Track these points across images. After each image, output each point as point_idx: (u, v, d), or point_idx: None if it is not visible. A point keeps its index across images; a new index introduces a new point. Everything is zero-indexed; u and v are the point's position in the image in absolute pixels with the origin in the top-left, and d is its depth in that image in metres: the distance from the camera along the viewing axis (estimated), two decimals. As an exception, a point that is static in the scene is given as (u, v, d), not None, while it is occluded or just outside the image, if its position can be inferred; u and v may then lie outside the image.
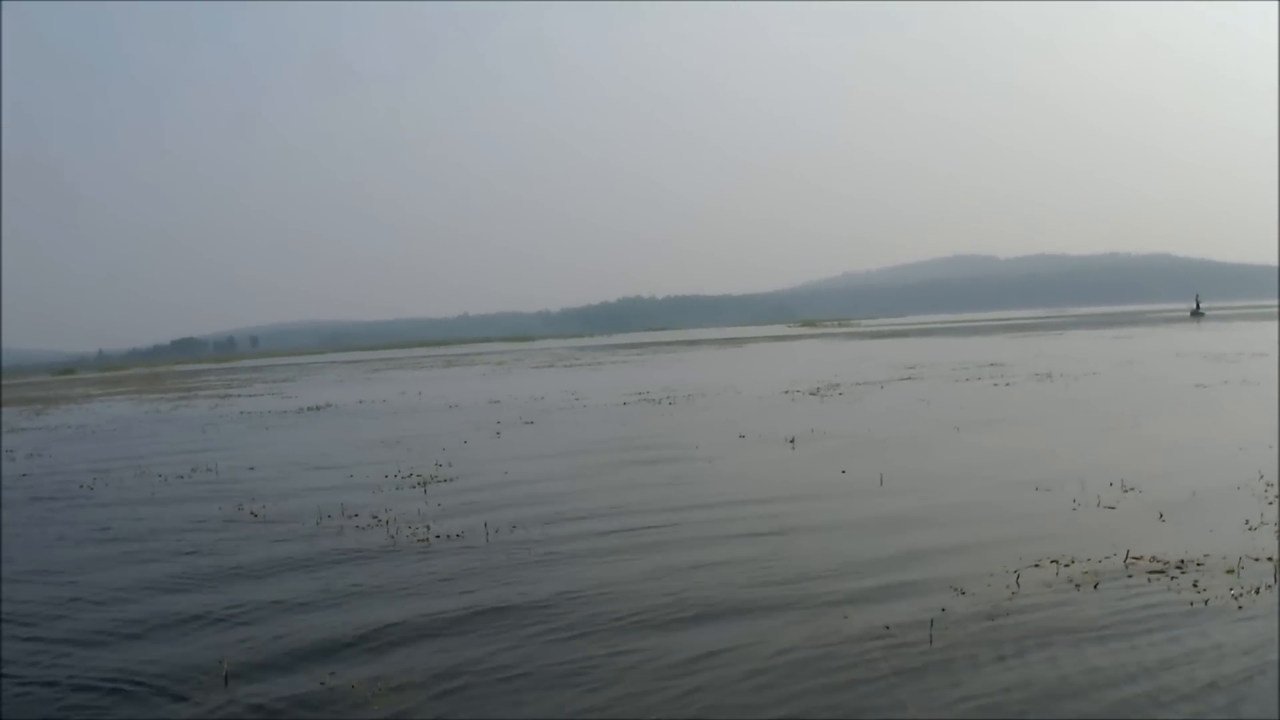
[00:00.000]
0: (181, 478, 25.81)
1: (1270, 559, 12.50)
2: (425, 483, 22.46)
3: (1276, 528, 14.09)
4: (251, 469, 26.88)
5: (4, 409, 68.58)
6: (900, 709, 8.79)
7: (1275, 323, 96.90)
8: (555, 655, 10.56)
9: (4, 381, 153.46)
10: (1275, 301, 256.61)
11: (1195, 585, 11.68)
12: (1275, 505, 15.49)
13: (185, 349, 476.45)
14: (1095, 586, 11.84)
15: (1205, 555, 12.82)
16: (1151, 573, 12.26)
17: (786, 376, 52.78)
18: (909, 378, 47.10)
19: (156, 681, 10.46)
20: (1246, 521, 14.56)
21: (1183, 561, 12.63)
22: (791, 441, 26.07)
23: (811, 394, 40.48)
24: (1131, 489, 17.31)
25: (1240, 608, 10.89)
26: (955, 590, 11.97)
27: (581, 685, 9.74)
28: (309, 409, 49.34)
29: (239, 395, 67.38)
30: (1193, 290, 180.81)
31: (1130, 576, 12.17)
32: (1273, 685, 8.86)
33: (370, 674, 10.33)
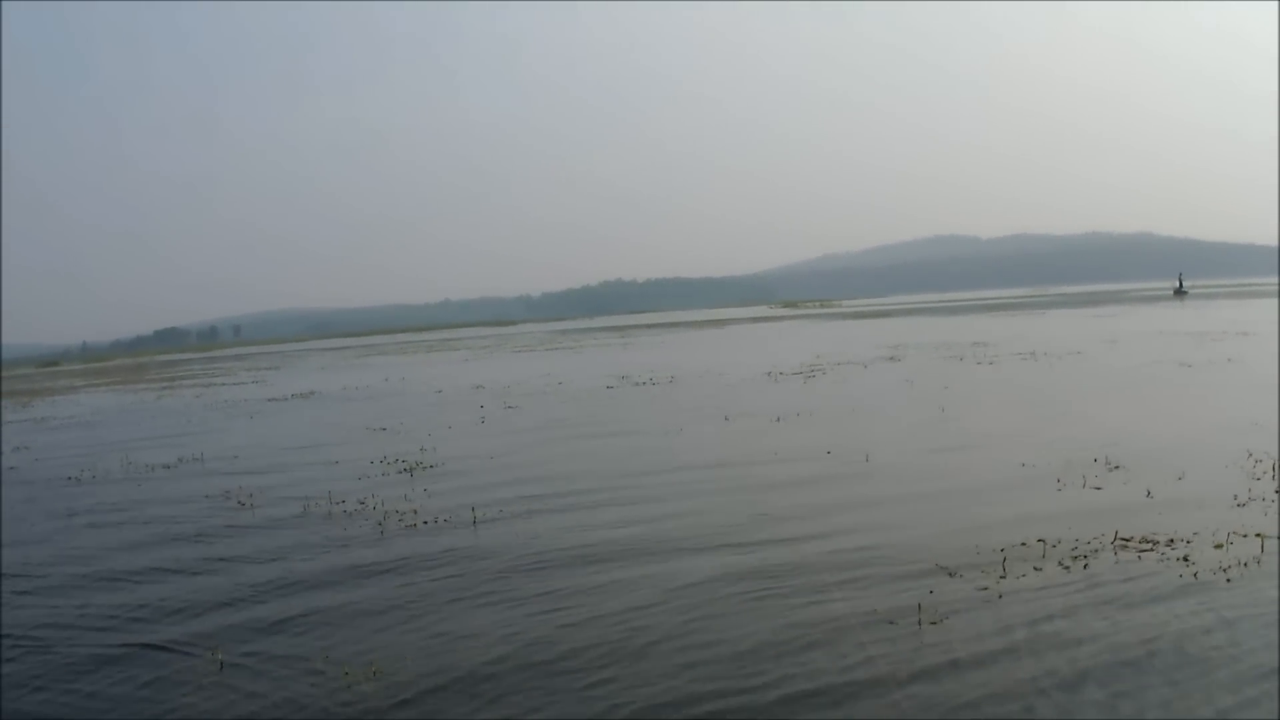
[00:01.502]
0: (168, 467, 25.75)
1: (1259, 535, 12.51)
2: (411, 468, 22.42)
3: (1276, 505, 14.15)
4: (236, 457, 26.81)
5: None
6: (893, 693, 8.78)
7: (1259, 301, 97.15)
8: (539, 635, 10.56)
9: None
10: (1259, 280, 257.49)
11: (1185, 560, 11.70)
12: (1263, 481, 15.54)
13: (168, 339, 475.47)
14: (1084, 566, 11.84)
15: (1194, 533, 12.83)
16: (1140, 551, 12.27)
17: (769, 358, 52.74)
18: (892, 358, 47.08)
19: (146, 657, 10.47)
20: (1235, 497, 14.60)
21: (1172, 539, 12.63)
22: (776, 421, 26.07)
23: (795, 375, 40.48)
24: (1118, 467, 17.33)
25: (1229, 581, 10.91)
26: (944, 571, 11.97)
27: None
28: (293, 396, 49.24)
29: (223, 384, 67.23)
30: (1176, 269, 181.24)
31: (1118, 555, 12.18)
32: (1265, 660, 8.87)
33: (362, 656, 10.35)
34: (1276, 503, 14.20)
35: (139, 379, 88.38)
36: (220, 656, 10.57)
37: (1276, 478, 15.73)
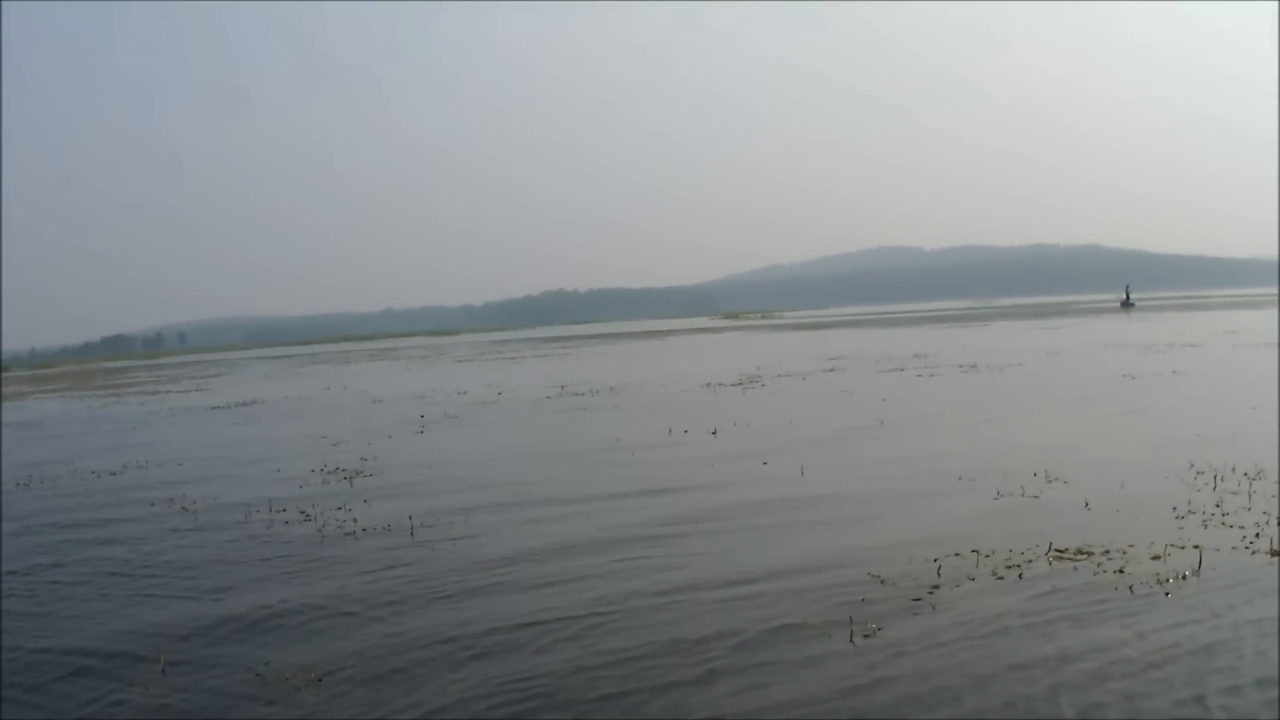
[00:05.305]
0: (114, 474, 25.51)
1: (1196, 546, 12.57)
2: (351, 477, 22.34)
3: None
4: (181, 465, 26.60)
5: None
6: (821, 703, 8.76)
7: (1206, 313, 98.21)
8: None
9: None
10: (1208, 292, 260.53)
11: (1120, 572, 11.75)
12: (1204, 493, 15.64)
13: (115, 346, 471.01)
14: (1019, 576, 11.87)
15: (1130, 545, 12.87)
16: (1076, 561, 12.31)
17: (709, 369, 53.05)
18: (832, 369, 47.37)
19: (95, 664, 10.37)
20: (1174, 509, 14.67)
21: (1108, 550, 12.68)
22: (713, 433, 26.11)
23: (734, 386, 40.68)
24: (1056, 479, 17.38)
25: (1167, 594, 10.94)
26: (876, 580, 11.99)
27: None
28: (236, 405, 48.84)
29: (168, 392, 66.70)
30: (1123, 281, 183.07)
31: (1053, 566, 12.22)
32: (1201, 666, 8.90)
33: (302, 662, 10.34)
34: (1218, 515, 14.30)
35: (86, 386, 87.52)
36: (163, 660, 10.48)
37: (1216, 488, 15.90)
